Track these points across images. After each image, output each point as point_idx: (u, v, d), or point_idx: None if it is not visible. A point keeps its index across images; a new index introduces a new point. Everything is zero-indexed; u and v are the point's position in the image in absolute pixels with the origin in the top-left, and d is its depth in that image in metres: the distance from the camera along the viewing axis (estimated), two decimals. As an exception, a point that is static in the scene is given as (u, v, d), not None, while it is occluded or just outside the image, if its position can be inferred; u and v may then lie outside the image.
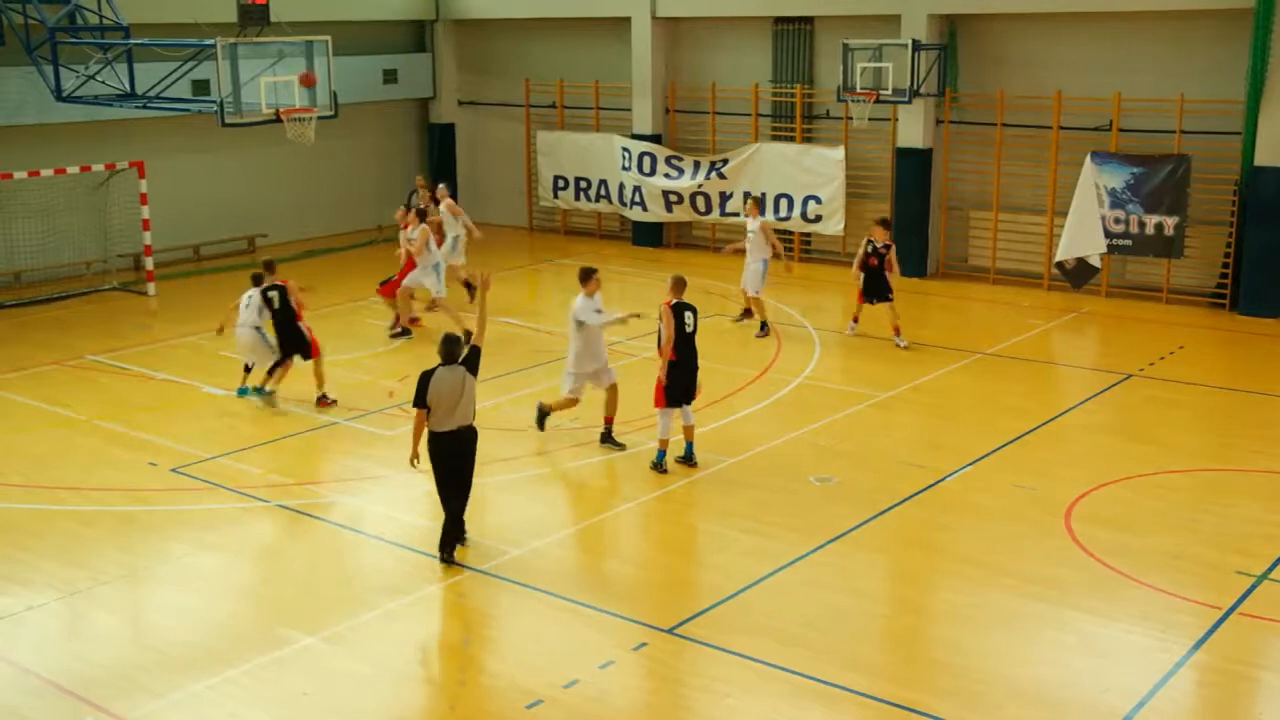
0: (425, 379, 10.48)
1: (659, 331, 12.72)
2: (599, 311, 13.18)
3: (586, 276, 13.20)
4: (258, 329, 15.04)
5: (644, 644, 9.46)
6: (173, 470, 13.03)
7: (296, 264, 22.67)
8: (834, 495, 12.38)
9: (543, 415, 13.83)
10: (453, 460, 10.69)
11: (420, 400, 10.46)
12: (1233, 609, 9.92)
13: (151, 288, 21.13)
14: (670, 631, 9.63)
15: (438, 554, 10.79)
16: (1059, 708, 8.60)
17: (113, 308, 20.42)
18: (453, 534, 10.85)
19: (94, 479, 12.85)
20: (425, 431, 10.59)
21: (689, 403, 12.80)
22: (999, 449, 13.54)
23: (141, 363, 16.97)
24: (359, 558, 11.26)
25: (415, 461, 10.63)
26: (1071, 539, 11.24)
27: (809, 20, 23.07)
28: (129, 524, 11.80)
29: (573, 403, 13.59)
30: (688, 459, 12.88)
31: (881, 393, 15.41)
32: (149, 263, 21.24)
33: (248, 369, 15.44)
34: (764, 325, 18.09)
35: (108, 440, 14.00)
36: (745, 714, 8.53)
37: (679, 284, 12.76)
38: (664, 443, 12.67)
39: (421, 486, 12.75)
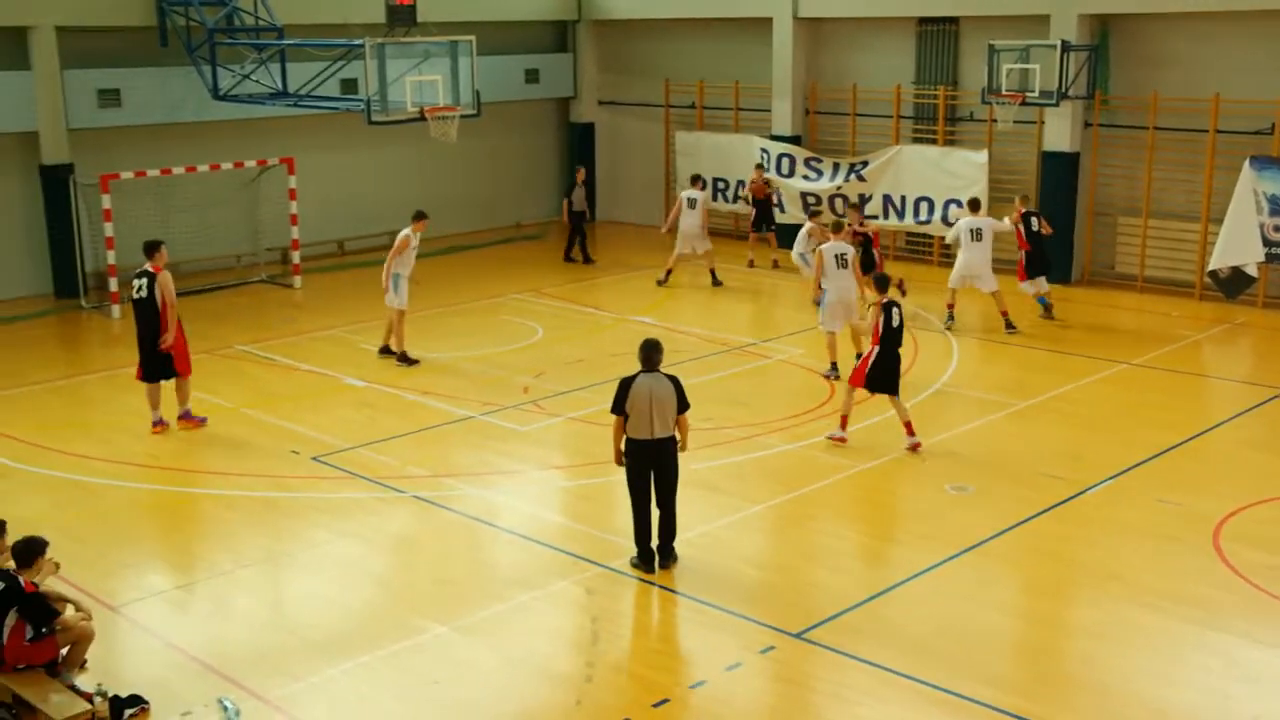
0: (624, 386, 10.40)
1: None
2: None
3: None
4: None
5: (772, 647, 9.40)
6: (314, 459, 13.38)
7: (435, 260, 23.09)
8: (969, 504, 12.14)
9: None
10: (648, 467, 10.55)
11: (617, 407, 10.43)
12: (1393, 638, 9.46)
13: (297, 280, 21.72)
14: (798, 636, 9.54)
15: (642, 566, 10.59)
16: (1202, 732, 8.30)
17: (260, 300, 21.06)
18: (647, 540, 10.62)
19: (239, 465, 13.25)
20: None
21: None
22: (1143, 462, 13.12)
23: (286, 354, 17.46)
24: (492, 550, 11.41)
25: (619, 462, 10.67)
26: (1220, 558, 10.83)
27: (954, 21, 22.67)
28: (271, 509, 12.15)
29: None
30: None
31: (1021, 401, 15.06)
32: (296, 256, 21.86)
33: None
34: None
35: (253, 428, 14.44)
36: (873, 723, 8.42)
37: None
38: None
39: (553, 483, 12.90)
